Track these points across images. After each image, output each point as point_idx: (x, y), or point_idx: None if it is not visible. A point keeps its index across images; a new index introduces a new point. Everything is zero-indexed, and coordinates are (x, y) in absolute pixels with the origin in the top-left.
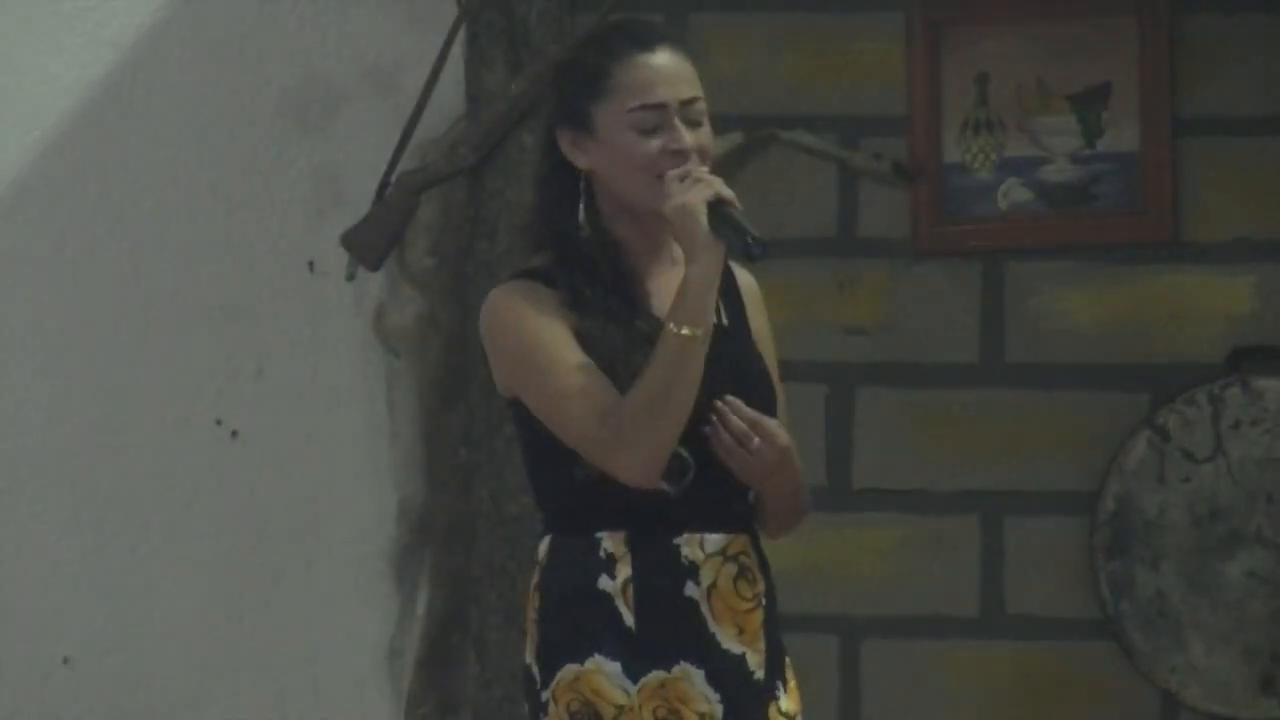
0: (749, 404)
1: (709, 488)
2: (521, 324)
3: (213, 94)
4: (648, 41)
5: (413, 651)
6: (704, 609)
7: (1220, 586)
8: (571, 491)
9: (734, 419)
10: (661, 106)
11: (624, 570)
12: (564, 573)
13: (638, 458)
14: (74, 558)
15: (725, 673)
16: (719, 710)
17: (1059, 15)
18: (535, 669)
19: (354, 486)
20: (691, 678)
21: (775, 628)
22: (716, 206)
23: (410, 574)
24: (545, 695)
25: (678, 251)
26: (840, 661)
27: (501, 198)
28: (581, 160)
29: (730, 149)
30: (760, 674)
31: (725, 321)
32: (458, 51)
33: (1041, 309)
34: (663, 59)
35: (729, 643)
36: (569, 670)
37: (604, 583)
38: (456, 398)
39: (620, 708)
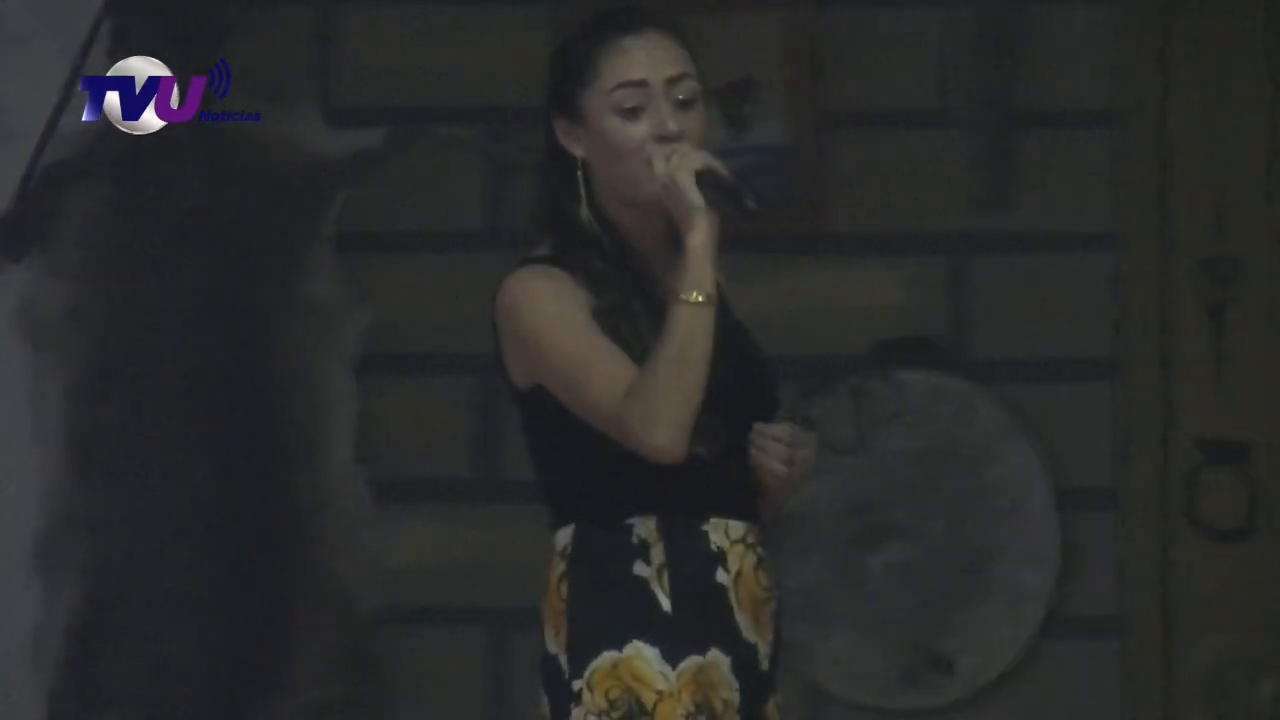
0: (762, 391)
1: (730, 474)
2: (539, 307)
3: None
4: (631, 25)
5: (56, 644)
6: (731, 596)
7: (866, 579)
8: (598, 479)
9: (776, 445)
10: (641, 84)
11: (658, 555)
12: (595, 561)
13: (662, 431)
14: None
15: (743, 662)
16: (737, 699)
17: (700, 9)
18: (563, 659)
19: None
20: (720, 664)
21: (780, 621)
22: (705, 175)
23: (54, 566)
24: (578, 684)
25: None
26: (485, 657)
27: (152, 190)
28: (576, 148)
29: (377, 142)
30: (766, 666)
31: (729, 316)
32: (104, 40)
33: None
34: (645, 38)
35: (747, 632)
36: (606, 658)
37: (639, 568)
38: (104, 390)
39: (660, 693)
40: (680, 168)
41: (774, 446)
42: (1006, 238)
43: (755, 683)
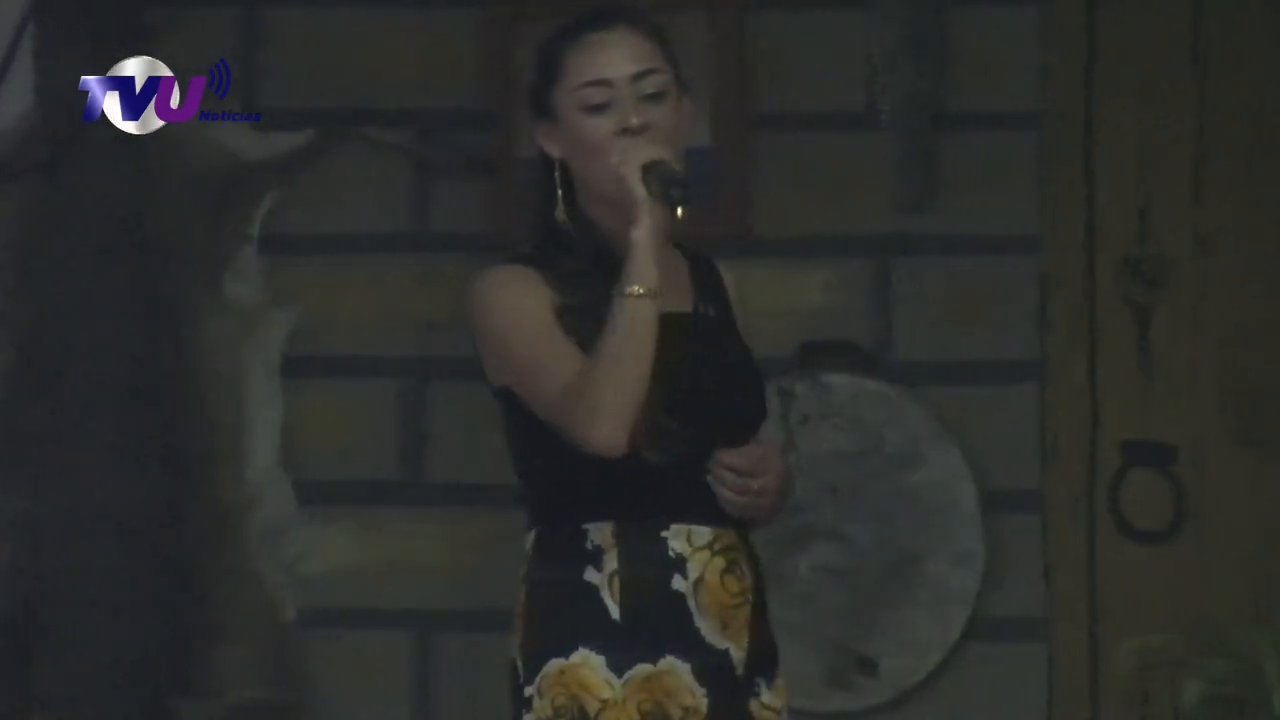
0: (737, 394)
1: (698, 479)
2: (501, 305)
3: None
4: (599, 22)
5: None
6: (690, 602)
7: (791, 580)
8: (559, 482)
9: (730, 475)
10: (605, 82)
11: (610, 562)
12: (550, 565)
13: (601, 424)
14: None
15: (710, 668)
16: (704, 705)
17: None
18: (519, 663)
19: None
20: (677, 671)
21: (764, 624)
22: (653, 167)
23: None
24: (529, 690)
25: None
26: (410, 660)
27: (77, 193)
28: (554, 149)
29: (303, 144)
30: (741, 670)
31: (711, 312)
32: (29, 44)
33: None
34: (612, 35)
35: (713, 637)
36: (554, 664)
37: (590, 575)
38: (29, 393)
39: (605, 701)
40: (627, 160)
41: (726, 476)
42: (932, 240)
43: (730, 687)
